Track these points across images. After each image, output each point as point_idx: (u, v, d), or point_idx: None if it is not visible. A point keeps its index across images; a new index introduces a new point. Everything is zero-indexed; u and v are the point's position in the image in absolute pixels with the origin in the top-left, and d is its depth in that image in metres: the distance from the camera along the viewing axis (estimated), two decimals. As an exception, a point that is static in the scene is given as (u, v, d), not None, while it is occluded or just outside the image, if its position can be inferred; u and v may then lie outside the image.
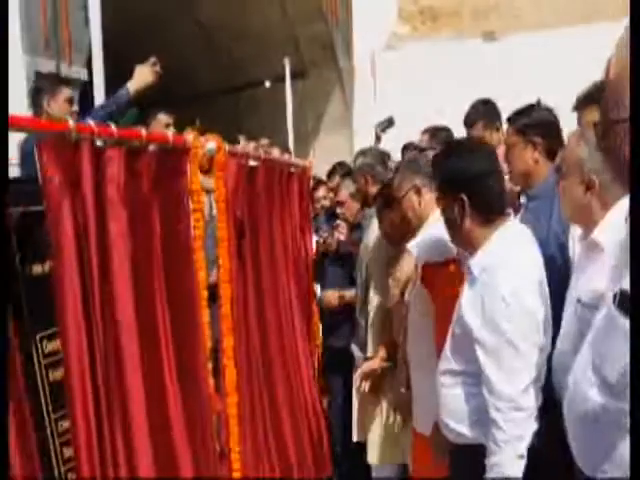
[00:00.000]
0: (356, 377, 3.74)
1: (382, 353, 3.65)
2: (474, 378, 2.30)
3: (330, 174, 5.65)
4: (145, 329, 2.19)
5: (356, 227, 4.50)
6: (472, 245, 2.34)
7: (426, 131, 4.84)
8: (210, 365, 2.64)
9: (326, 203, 5.61)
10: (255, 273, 3.35)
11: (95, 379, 1.97)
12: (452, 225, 2.38)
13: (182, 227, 2.55)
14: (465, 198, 2.27)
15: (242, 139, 6.12)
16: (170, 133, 2.49)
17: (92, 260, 1.98)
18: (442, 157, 2.45)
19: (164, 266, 2.38)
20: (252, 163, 3.36)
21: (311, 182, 4.89)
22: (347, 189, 4.60)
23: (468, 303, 2.30)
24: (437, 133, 4.69)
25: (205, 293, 2.69)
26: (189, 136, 2.63)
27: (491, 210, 2.31)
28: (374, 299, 3.82)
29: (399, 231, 3.25)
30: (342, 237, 4.48)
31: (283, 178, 3.95)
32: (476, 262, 2.31)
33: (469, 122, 4.26)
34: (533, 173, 2.95)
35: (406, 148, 4.86)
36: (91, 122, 2.00)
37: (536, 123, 2.94)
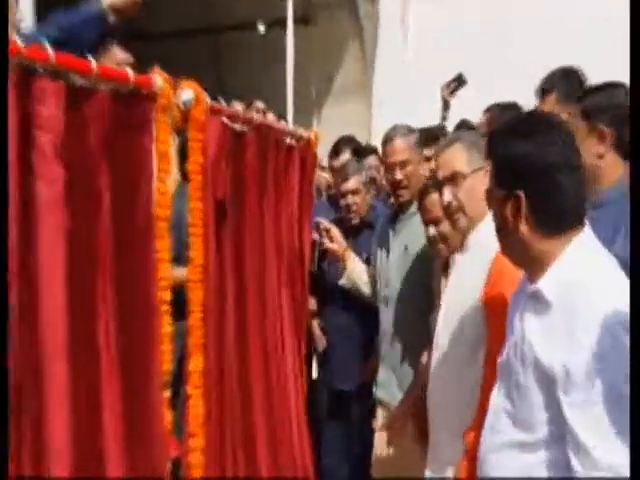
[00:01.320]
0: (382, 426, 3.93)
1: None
2: (548, 448, 2.17)
3: (334, 152, 5.55)
4: (78, 343, 2.14)
5: (358, 230, 4.59)
6: (532, 262, 2.27)
7: (489, 109, 4.70)
8: (167, 394, 2.62)
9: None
10: (237, 273, 3.27)
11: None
12: (502, 232, 2.32)
13: (141, 203, 2.49)
14: (523, 197, 2.19)
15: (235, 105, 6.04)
16: (131, 71, 2.39)
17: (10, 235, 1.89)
18: (500, 136, 2.35)
19: (113, 255, 2.33)
20: (240, 128, 3.29)
21: (317, 160, 4.80)
22: (359, 175, 4.55)
23: (540, 340, 2.19)
24: (504, 112, 4.53)
25: (167, 295, 2.61)
26: (157, 78, 2.54)
27: (561, 218, 2.23)
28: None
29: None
30: (333, 246, 4.40)
31: (281, 152, 3.88)
32: (548, 283, 2.22)
33: (541, 91, 4.13)
34: (598, 172, 2.89)
35: (459, 128, 4.81)
36: (21, 39, 1.89)
37: (606, 106, 2.88)
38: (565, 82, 4.07)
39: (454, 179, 3.00)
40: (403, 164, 4.06)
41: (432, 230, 3.51)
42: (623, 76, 2.70)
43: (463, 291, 2.97)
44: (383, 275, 4.18)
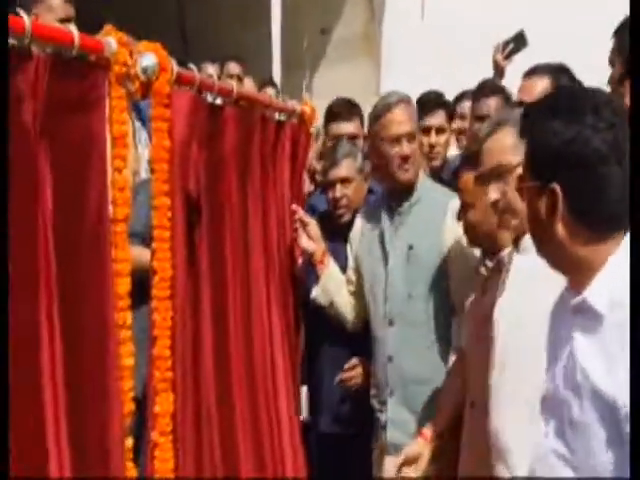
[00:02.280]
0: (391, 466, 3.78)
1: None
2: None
3: (327, 121, 5.36)
4: (18, 379, 2.12)
5: (342, 228, 4.37)
6: (573, 268, 2.29)
7: (533, 72, 4.59)
8: (129, 442, 2.60)
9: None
10: (215, 288, 3.23)
11: None
12: (536, 231, 2.35)
13: (93, 201, 2.46)
14: (559, 191, 2.20)
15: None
16: (75, 30, 2.32)
17: None
18: (537, 115, 2.34)
19: (57, 267, 2.29)
20: (216, 101, 3.27)
21: (312, 140, 4.74)
22: (351, 159, 4.44)
23: (596, 365, 2.18)
24: (557, 77, 4.42)
25: (127, 317, 2.57)
26: (110, 40, 2.48)
27: (605, 219, 2.24)
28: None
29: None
30: (309, 245, 4.24)
31: (268, 130, 3.85)
32: (596, 292, 2.22)
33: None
34: None
35: (481, 91, 4.79)
36: None
37: None
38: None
39: (501, 173, 3.01)
40: (410, 137, 3.95)
41: (494, 192, 3.32)
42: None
43: (531, 300, 2.92)
44: (379, 287, 4.04)
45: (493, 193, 3.04)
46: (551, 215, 2.22)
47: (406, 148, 3.89)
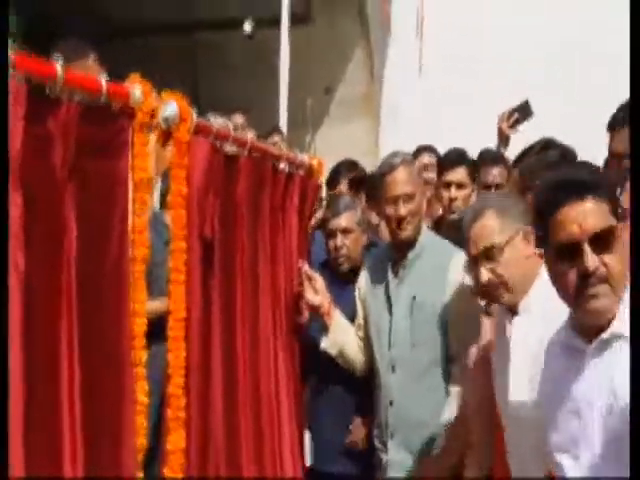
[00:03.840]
0: None
1: None
2: None
3: (331, 180, 5.49)
4: (37, 415, 2.13)
5: (347, 279, 4.45)
6: None
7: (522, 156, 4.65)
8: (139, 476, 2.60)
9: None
10: (226, 329, 3.25)
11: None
12: None
13: (114, 242, 2.48)
14: None
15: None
16: (104, 79, 2.36)
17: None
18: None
19: (77, 305, 2.31)
20: (232, 150, 3.30)
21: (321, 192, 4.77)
22: (352, 212, 4.49)
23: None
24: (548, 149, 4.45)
25: (143, 356, 2.60)
26: (136, 88, 2.52)
27: None
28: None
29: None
30: (315, 300, 4.24)
31: (278, 180, 3.89)
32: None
33: (613, 124, 4.11)
34: None
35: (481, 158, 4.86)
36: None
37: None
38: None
39: (490, 254, 3.14)
40: (408, 197, 4.01)
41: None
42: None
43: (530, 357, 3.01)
44: (383, 334, 4.10)
45: (485, 274, 3.14)
46: None
47: (402, 209, 3.95)
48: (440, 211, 5.22)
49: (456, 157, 5.16)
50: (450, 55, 10.77)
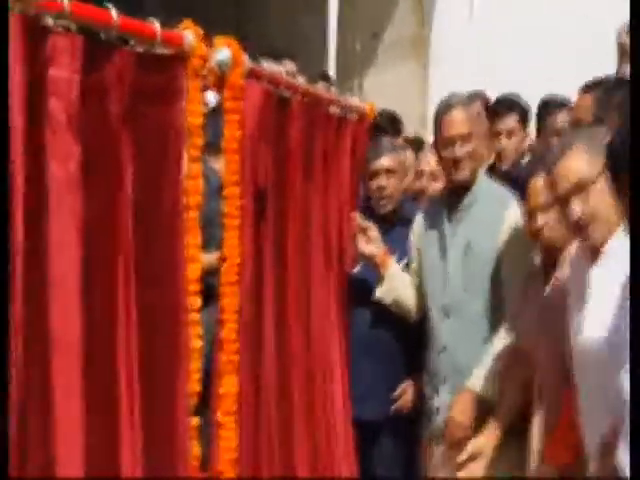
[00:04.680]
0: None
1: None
2: None
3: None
4: (94, 352, 2.17)
5: (390, 223, 4.41)
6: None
7: (589, 88, 4.54)
8: (194, 422, 2.64)
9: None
10: (278, 276, 3.27)
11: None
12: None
13: (170, 187, 2.50)
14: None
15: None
16: (157, 25, 2.37)
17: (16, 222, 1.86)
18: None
19: (135, 250, 2.33)
20: (284, 94, 3.31)
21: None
22: (395, 154, 4.46)
23: None
24: (613, 93, 4.35)
25: (196, 302, 2.64)
26: (189, 34, 2.54)
27: None
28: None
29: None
30: (371, 249, 4.22)
31: (331, 125, 3.89)
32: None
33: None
34: None
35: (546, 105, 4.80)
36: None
37: None
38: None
39: (580, 189, 3.06)
40: (465, 138, 3.93)
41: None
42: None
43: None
44: (437, 280, 4.09)
45: (576, 211, 3.06)
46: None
47: (458, 151, 3.88)
48: (492, 160, 5.14)
49: (506, 104, 5.09)
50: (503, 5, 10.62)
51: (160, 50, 2.46)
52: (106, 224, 2.23)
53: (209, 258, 3.31)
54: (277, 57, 6.65)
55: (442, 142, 3.95)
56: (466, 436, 3.75)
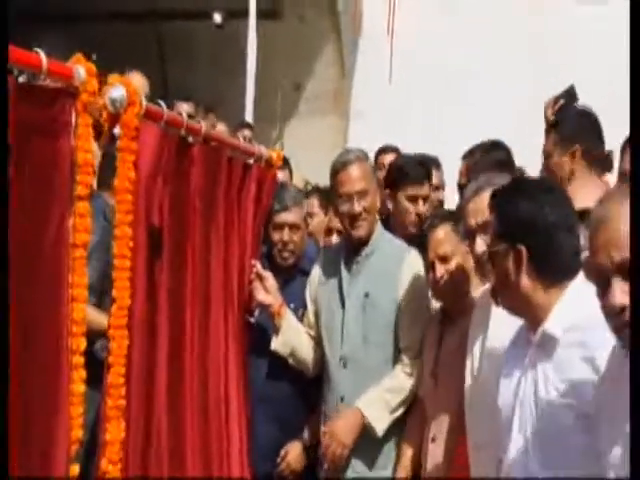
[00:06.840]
0: None
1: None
2: None
3: None
4: None
5: (290, 275, 4.41)
6: (530, 311, 2.82)
7: (470, 154, 4.72)
8: (75, 471, 2.57)
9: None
10: (173, 322, 3.21)
11: None
12: (502, 286, 2.88)
13: (53, 226, 2.46)
14: (524, 251, 2.75)
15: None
16: (44, 56, 2.33)
17: None
18: (505, 195, 2.89)
19: (14, 290, 2.25)
20: (186, 137, 3.29)
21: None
22: (300, 208, 4.50)
23: (555, 380, 2.66)
24: (489, 154, 4.55)
25: (81, 344, 2.57)
26: (79, 68, 2.49)
27: (560, 271, 2.79)
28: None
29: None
30: (266, 299, 4.20)
31: (235, 170, 3.87)
32: (553, 323, 2.74)
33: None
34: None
35: (471, 154, 4.83)
36: None
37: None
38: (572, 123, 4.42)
39: (487, 227, 3.20)
40: (361, 194, 4.02)
41: (441, 269, 3.67)
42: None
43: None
44: (335, 330, 4.08)
45: (480, 246, 3.31)
46: (518, 270, 2.75)
47: (357, 206, 3.96)
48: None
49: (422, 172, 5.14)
50: (420, 61, 10.83)
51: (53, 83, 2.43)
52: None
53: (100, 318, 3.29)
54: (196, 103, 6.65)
55: (340, 198, 4.01)
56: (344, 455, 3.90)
